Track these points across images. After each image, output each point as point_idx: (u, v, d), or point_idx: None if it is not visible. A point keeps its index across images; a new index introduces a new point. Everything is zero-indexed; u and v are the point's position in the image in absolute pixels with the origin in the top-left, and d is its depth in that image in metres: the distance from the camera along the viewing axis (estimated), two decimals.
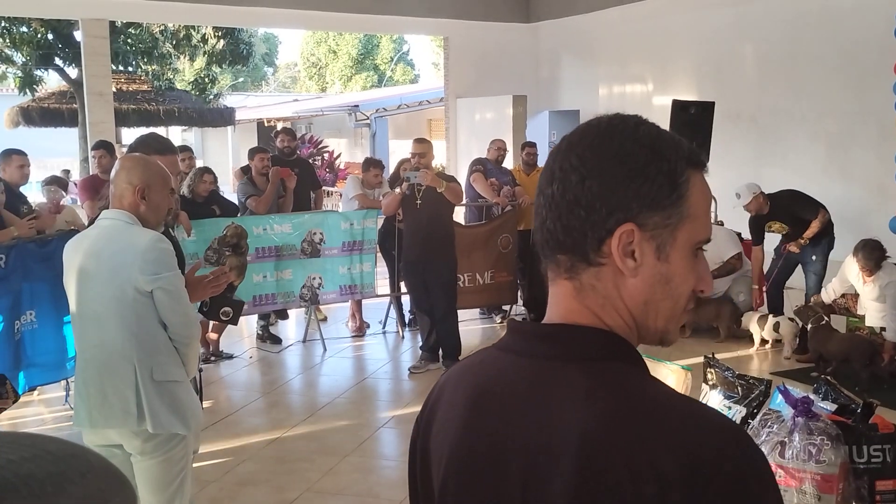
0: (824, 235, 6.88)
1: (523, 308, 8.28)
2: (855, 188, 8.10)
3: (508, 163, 8.99)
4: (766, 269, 7.41)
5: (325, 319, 8.04)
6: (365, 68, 37.40)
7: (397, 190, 6.52)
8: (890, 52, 7.80)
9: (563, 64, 13.30)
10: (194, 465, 3.05)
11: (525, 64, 13.49)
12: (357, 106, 21.61)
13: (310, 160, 13.21)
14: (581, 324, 1.02)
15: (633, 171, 1.00)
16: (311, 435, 5.12)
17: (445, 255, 6.39)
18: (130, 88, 17.50)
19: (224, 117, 19.64)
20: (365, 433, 5.16)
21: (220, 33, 18.03)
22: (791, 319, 6.79)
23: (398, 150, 19.32)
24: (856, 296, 6.57)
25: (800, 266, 7.13)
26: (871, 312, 6.32)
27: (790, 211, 6.95)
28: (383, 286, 7.87)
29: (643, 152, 1.02)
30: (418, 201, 6.27)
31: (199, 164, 7.76)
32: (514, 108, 12.11)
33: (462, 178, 7.95)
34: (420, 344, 6.76)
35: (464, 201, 8.77)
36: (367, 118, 21.07)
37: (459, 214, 9.31)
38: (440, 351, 6.51)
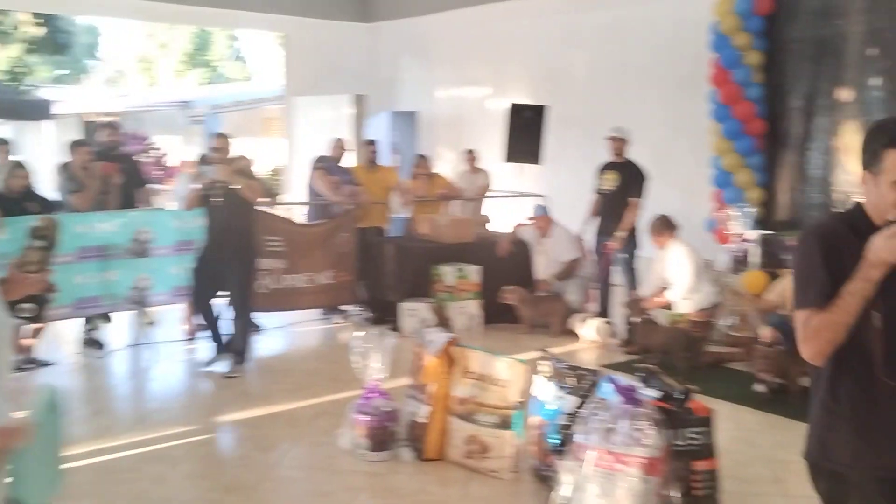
0: (632, 233, 7.33)
1: (364, 308, 8.23)
2: (675, 191, 8.60)
3: (349, 161, 8.94)
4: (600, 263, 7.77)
5: (152, 323, 7.65)
6: (198, 64, 36.09)
7: (195, 186, 6.44)
8: (704, 63, 8.38)
9: (402, 65, 13.38)
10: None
11: (364, 64, 13.46)
12: (189, 102, 20.87)
13: (136, 156, 12.57)
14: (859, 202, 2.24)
15: (862, 148, 2.18)
16: (139, 443, 4.85)
17: (243, 254, 6.29)
18: None
19: (40, 110, 18.42)
20: (197, 439, 4.95)
21: (38, 20, 16.84)
22: (608, 322, 7.22)
23: (234, 149, 18.77)
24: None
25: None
26: (682, 300, 6.79)
27: (630, 177, 7.38)
28: None
29: (865, 139, 2.18)
30: (216, 198, 6.14)
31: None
32: (354, 107, 12.07)
33: (303, 177, 7.83)
34: (218, 347, 6.42)
35: (304, 200, 8.66)
36: (201, 115, 20.39)
37: (300, 213, 9.17)
38: (238, 347, 6.32)
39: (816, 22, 7.96)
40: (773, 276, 6.99)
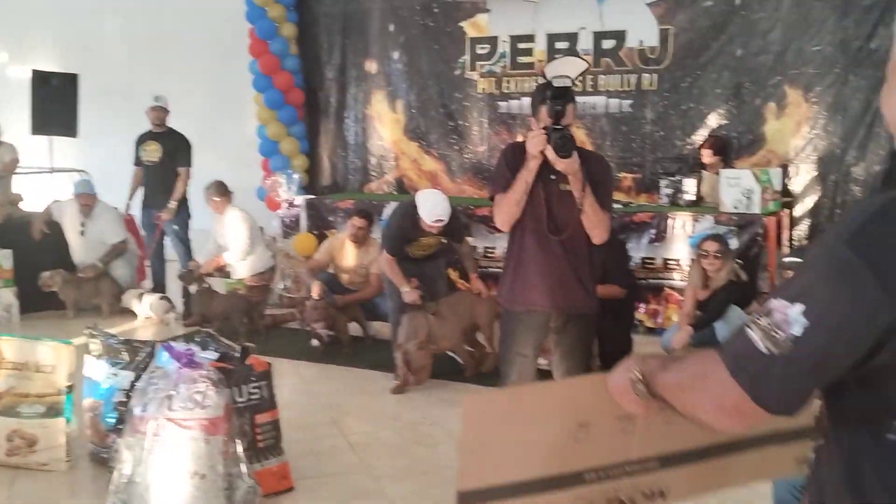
0: (184, 203, 7.23)
1: None
2: (224, 161, 8.59)
3: None
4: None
5: None
6: None
7: None
8: (245, 35, 8.48)
9: None
10: None
11: None
12: None
13: None
14: None
15: (531, 102, 3.23)
16: None
17: None
18: None
19: None
20: None
21: None
22: (163, 297, 7.01)
23: None
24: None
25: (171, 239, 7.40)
26: (239, 266, 6.89)
27: (173, 146, 7.27)
28: None
29: (533, 96, 3.22)
30: None
31: None
32: None
33: None
34: None
35: None
36: None
37: None
38: None
39: None
40: (321, 237, 7.43)
